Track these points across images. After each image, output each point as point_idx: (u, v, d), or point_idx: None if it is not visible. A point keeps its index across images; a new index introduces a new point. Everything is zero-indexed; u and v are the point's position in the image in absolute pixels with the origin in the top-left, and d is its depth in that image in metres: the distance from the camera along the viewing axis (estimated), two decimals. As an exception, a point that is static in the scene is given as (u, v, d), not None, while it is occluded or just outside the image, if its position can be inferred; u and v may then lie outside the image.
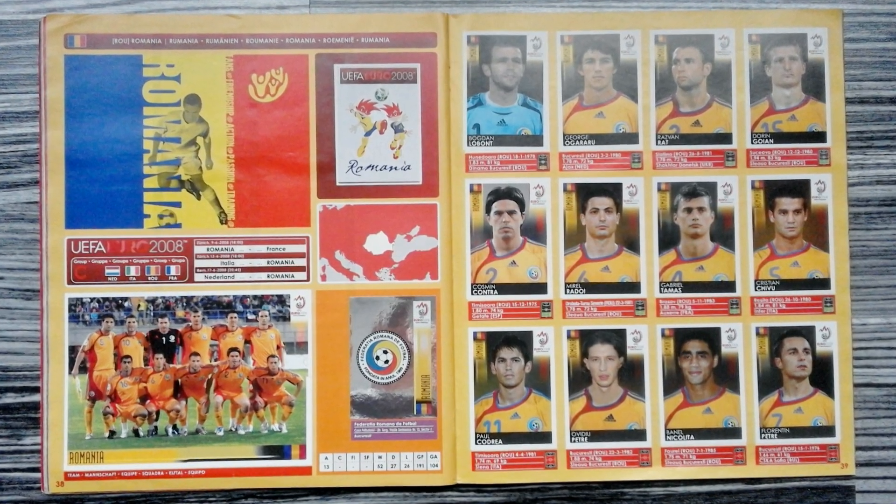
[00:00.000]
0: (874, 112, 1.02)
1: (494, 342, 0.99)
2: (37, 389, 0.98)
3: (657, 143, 1.00)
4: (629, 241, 1.00)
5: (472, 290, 0.99)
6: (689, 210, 1.00)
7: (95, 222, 0.96)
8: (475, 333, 0.99)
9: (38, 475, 0.98)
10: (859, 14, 1.03)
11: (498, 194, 0.99)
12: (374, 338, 0.98)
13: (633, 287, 0.99)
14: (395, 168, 0.98)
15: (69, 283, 0.96)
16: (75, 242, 0.96)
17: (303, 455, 0.97)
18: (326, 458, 0.97)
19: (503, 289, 0.99)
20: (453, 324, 0.98)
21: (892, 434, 1.00)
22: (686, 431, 0.99)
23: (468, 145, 0.99)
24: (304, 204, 0.98)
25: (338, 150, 0.98)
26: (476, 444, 0.98)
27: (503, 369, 0.99)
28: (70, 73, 0.97)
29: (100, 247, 0.97)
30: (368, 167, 0.98)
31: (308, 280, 0.98)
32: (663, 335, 0.99)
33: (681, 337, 0.99)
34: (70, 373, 0.97)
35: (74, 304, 0.97)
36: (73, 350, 0.97)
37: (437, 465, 0.97)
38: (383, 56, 0.99)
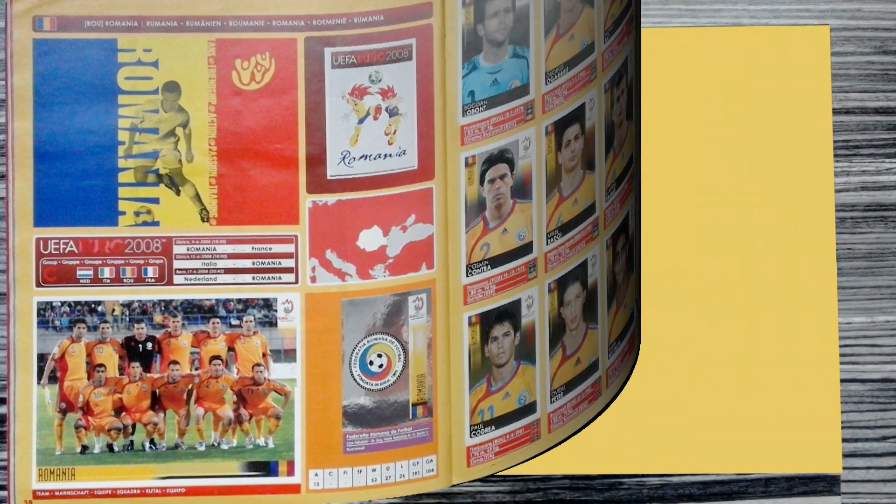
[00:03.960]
0: (859, 122, 1.07)
1: (488, 322, 0.95)
2: (2, 401, 0.95)
3: None
4: (590, 164, 0.98)
5: (468, 271, 0.95)
6: None
7: (66, 220, 0.93)
8: (470, 318, 0.95)
9: (3, 493, 0.94)
10: (845, 29, 1.08)
11: (490, 161, 0.95)
12: (368, 341, 0.95)
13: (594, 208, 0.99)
14: (390, 155, 0.95)
15: (38, 285, 0.92)
16: (44, 242, 0.92)
17: (291, 471, 0.94)
18: (317, 474, 0.94)
19: (496, 261, 0.95)
20: (449, 313, 0.95)
21: (876, 427, 1.04)
22: None
23: (463, 115, 0.95)
24: (293, 200, 0.94)
25: (329, 140, 0.95)
26: (471, 437, 0.95)
27: (496, 349, 0.95)
28: (39, 58, 0.93)
29: (71, 246, 0.93)
30: (361, 157, 0.94)
31: (297, 282, 0.95)
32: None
33: None
34: (39, 383, 0.93)
35: (43, 309, 0.93)
36: (41, 358, 0.93)
37: (432, 470, 0.95)
38: (377, 36, 0.95)
